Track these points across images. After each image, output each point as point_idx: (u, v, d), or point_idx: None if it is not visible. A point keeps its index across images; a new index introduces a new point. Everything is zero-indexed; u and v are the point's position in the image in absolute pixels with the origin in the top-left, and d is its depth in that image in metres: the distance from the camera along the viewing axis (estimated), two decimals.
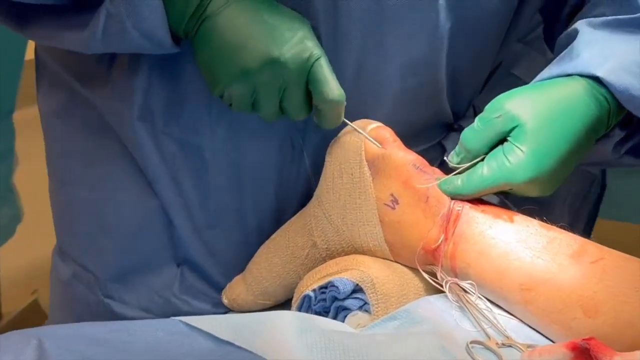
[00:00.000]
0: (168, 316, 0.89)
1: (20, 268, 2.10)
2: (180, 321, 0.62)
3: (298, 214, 0.84)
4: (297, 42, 0.73)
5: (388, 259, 0.77)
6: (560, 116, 0.73)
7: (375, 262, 0.76)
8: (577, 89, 0.74)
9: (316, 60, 0.73)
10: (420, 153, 0.78)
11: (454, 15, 0.79)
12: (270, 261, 0.84)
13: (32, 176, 2.25)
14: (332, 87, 0.74)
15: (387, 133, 0.77)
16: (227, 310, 0.89)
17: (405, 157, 0.75)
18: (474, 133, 0.74)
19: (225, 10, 0.72)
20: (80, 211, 0.92)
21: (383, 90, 0.82)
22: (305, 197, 0.85)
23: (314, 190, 0.83)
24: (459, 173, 0.74)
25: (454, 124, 0.92)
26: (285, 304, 0.87)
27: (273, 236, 0.86)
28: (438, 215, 0.73)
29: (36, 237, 2.22)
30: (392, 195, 0.75)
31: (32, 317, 1.96)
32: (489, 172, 0.72)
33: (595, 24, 0.79)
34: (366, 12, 0.77)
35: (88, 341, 0.58)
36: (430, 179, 0.74)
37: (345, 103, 0.76)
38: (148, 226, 0.88)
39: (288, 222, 0.85)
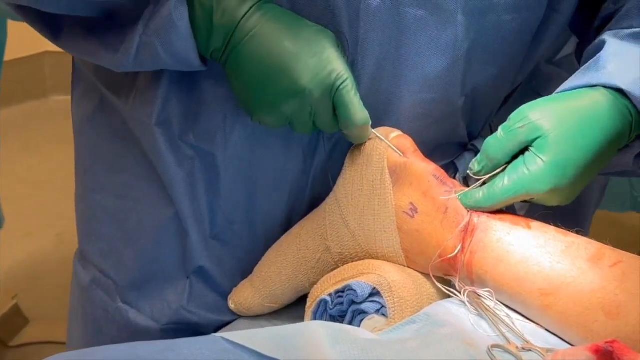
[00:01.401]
0: (175, 326, 0.90)
1: (0, 273, 2.09)
2: (222, 338, 0.62)
3: (309, 217, 0.85)
4: (321, 69, 0.73)
5: (402, 265, 0.78)
6: (583, 127, 0.74)
7: (390, 267, 0.77)
8: (601, 100, 0.75)
9: (341, 84, 0.74)
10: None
11: (473, 33, 0.80)
12: (280, 264, 0.85)
13: (9, 181, 2.24)
14: (356, 111, 0.75)
15: (408, 142, 0.79)
16: (234, 317, 0.90)
17: (427, 168, 0.77)
18: (497, 141, 0.75)
19: (247, 43, 0.73)
20: (104, 217, 0.93)
21: (396, 103, 0.82)
22: (314, 208, 0.86)
23: (322, 201, 0.84)
24: (479, 185, 0.76)
25: (468, 144, 0.93)
26: (291, 308, 0.88)
27: (283, 239, 0.87)
28: (456, 227, 0.74)
29: (15, 242, 2.21)
30: (411, 204, 0.76)
31: (13, 321, 1.95)
32: (510, 183, 0.73)
33: (622, 35, 0.80)
34: (386, 24, 0.77)
35: None
36: (450, 190, 0.76)
37: (370, 123, 0.77)
38: (165, 235, 0.89)
39: (298, 225, 0.86)
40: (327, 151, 0.85)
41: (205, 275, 0.90)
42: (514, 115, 0.75)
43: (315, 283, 0.82)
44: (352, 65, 0.78)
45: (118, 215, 0.92)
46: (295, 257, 0.84)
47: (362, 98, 0.78)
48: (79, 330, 1.00)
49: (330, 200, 0.82)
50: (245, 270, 0.89)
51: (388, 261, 0.79)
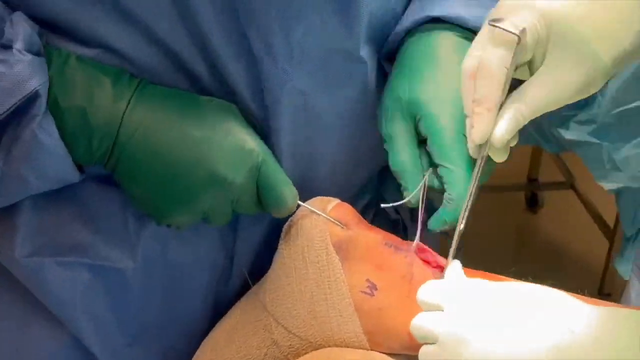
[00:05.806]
0: None
1: None
2: None
3: (241, 307, 0.76)
4: (238, 151, 0.66)
5: (365, 349, 0.70)
6: (447, 67, 0.70)
7: (353, 355, 0.69)
8: (450, 36, 0.72)
9: (262, 164, 0.68)
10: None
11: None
12: None
13: None
14: (284, 191, 0.69)
15: (349, 211, 0.72)
16: None
17: (376, 238, 0.70)
18: (393, 154, 0.71)
19: (141, 139, 0.65)
20: None
21: (318, 157, 0.76)
22: (243, 291, 0.78)
23: (252, 283, 0.77)
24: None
25: None
26: None
27: (215, 337, 0.77)
28: None
29: None
30: (368, 280, 0.68)
31: None
32: (448, 175, 0.68)
33: None
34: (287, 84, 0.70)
35: None
36: (408, 255, 0.68)
37: (297, 203, 0.71)
38: None
39: (229, 316, 0.77)
40: (247, 228, 0.78)
41: None
42: (380, 119, 0.72)
43: None
44: (266, 137, 0.72)
45: (7, 344, 0.78)
46: (235, 357, 0.74)
47: (285, 168, 0.71)
48: None
49: (268, 288, 0.74)
50: None
51: (348, 347, 0.70)
